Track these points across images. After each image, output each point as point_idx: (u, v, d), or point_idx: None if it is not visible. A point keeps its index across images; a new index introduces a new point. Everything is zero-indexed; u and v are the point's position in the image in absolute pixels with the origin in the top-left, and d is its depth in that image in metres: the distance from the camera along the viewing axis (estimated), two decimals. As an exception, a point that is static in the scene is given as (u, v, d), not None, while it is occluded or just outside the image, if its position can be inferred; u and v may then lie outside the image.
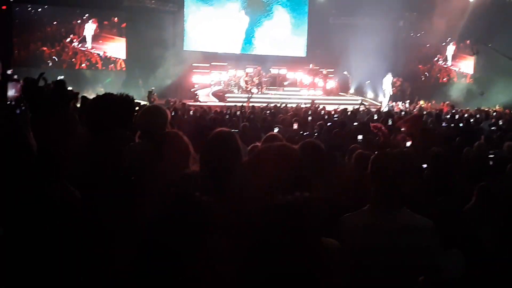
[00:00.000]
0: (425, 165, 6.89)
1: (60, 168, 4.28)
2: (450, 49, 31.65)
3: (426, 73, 31.88)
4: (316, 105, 21.82)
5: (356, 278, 2.72)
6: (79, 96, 11.49)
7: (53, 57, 25.66)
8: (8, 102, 3.25)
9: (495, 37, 25.49)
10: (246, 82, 26.64)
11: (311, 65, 29.08)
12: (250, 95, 25.51)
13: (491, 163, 7.18)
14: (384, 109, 23.32)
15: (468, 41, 29.89)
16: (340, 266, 1.99)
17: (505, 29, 24.75)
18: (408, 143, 9.65)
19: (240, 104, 21.08)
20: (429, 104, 27.44)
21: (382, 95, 26.97)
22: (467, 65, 31.71)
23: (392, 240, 2.78)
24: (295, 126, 12.68)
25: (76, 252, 3.49)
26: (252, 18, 29.73)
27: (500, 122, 15.46)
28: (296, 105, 22.10)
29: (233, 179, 3.04)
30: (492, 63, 27.67)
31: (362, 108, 20.00)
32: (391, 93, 26.80)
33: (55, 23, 25.65)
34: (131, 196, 3.46)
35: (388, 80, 26.95)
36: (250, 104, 21.08)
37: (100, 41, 26.65)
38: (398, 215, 2.86)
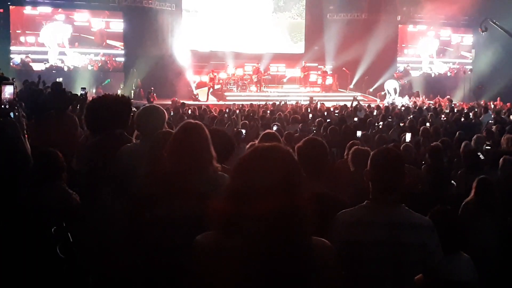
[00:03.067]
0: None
1: (58, 171, 4.31)
2: (448, 41, 31.73)
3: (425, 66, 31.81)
4: (315, 102, 21.82)
5: (352, 273, 2.74)
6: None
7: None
8: (2, 106, 3.24)
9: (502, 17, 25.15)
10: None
11: (303, 62, 29.04)
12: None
13: (481, 156, 7.21)
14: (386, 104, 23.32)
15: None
16: (331, 266, 1.99)
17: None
18: (408, 138, 9.68)
19: (239, 103, 21.11)
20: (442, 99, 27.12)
21: (387, 94, 26.97)
22: (466, 57, 31.80)
23: (389, 235, 2.79)
24: (294, 123, 12.71)
25: (73, 252, 3.51)
26: (250, 16, 29.73)
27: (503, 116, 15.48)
28: (296, 103, 22.09)
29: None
30: (492, 55, 27.65)
31: (355, 103, 20.16)
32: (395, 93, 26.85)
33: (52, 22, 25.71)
34: (126, 196, 3.47)
35: (393, 84, 26.96)
36: (249, 102, 21.03)
37: (98, 41, 26.65)
38: (396, 212, 2.87)
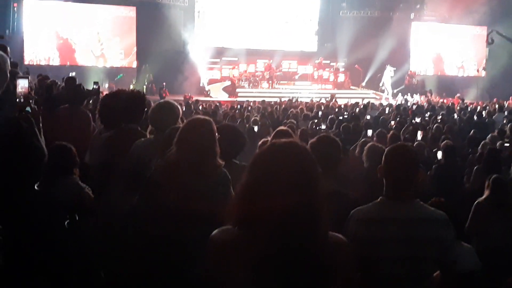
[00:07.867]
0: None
1: (71, 165, 4.33)
2: (461, 40, 31.48)
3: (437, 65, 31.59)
4: (335, 100, 21.77)
5: (369, 271, 2.72)
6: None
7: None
8: (17, 100, 3.26)
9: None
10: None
11: (320, 59, 29.00)
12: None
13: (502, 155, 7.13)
14: (384, 102, 23.26)
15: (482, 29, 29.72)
16: (347, 262, 1.98)
17: None
18: (419, 136, 9.62)
19: (252, 99, 21.10)
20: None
21: (384, 88, 26.97)
22: (479, 57, 31.52)
23: (405, 231, 2.77)
24: (306, 120, 12.67)
25: (84, 246, 3.54)
26: (263, 12, 29.68)
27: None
28: (310, 100, 22.03)
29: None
30: (504, 55, 27.40)
31: (366, 101, 20.09)
32: (391, 86, 26.84)
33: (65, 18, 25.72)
34: (139, 190, 3.49)
35: (387, 73, 26.95)
36: (262, 99, 21.03)
37: (111, 37, 26.70)
38: (411, 207, 2.85)
